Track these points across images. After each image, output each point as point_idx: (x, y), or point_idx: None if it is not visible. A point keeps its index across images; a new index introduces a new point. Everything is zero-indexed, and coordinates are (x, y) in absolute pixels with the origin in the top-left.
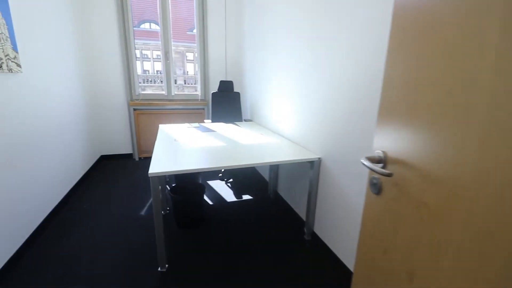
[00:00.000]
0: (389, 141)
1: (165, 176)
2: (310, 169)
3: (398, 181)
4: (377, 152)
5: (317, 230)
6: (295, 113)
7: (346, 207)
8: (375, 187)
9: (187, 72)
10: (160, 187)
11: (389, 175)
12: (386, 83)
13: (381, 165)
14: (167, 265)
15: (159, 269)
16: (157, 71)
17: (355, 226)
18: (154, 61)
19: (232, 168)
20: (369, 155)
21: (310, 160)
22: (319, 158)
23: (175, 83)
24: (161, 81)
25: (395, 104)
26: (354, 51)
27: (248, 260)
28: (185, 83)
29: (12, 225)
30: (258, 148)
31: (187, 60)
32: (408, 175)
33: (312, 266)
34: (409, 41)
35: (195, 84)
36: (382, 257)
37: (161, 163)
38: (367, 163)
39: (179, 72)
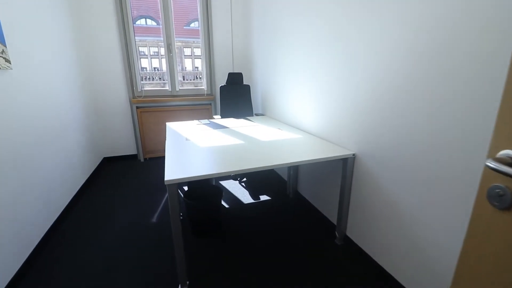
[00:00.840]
0: None
1: None
2: (343, 167)
3: None
4: (506, 153)
5: (351, 233)
6: (320, 104)
7: (392, 211)
8: (502, 200)
9: (185, 68)
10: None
11: None
12: None
13: None
14: (188, 282)
15: (179, 287)
16: (154, 68)
17: (406, 231)
18: (151, 57)
19: (258, 170)
20: (489, 155)
21: (343, 157)
22: (354, 155)
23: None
24: (159, 78)
25: None
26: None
27: (276, 269)
28: (184, 79)
29: (13, 242)
30: (280, 145)
31: (184, 56)
32: None
33: (350, 273)
34: None
35: (193, 80)
36: None
37: (177, 167)
38: (502, 167)
39: (177, 68)
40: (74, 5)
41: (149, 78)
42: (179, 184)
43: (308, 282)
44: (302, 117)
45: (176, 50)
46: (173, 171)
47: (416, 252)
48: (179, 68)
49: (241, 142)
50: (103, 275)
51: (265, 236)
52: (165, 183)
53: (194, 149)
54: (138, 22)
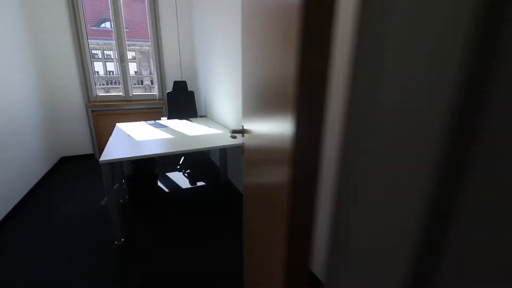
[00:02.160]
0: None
1: (122, 170)
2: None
3: None
4: None
5: None
6: (230, 103)
7: None
8: None
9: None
10: (112, 176)
11: None
12: None
13: None
14: (122, 239)
15: (115, 242)
16: (109, 71)
17: None
18: (117, 62)
19: (175, 153)
20: None
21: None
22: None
23: (141, 84)
24: (111, 82)
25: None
26: None
27: (196, 234)
28: (152, 83)
29: None
30: (200, 137)
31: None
32: None
33: None
34: None
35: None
36: None
37: (112, 152)
38: None
39: (145, 72)
40: (26, 9)
41: (113, 82)
42: (125, 176)
43: (219, 240)
44: (225, 115)
45: (142, 56)
46: (107, 155)
47: None
48: (147, 72)
49: (171, 136)
50: (54, 245)
51: (193, 211)
52: (100, 163)
53: (130, 141)
54: (103, 25)
